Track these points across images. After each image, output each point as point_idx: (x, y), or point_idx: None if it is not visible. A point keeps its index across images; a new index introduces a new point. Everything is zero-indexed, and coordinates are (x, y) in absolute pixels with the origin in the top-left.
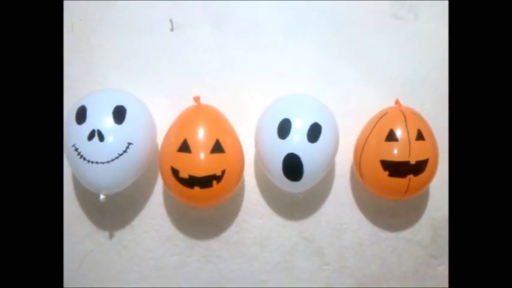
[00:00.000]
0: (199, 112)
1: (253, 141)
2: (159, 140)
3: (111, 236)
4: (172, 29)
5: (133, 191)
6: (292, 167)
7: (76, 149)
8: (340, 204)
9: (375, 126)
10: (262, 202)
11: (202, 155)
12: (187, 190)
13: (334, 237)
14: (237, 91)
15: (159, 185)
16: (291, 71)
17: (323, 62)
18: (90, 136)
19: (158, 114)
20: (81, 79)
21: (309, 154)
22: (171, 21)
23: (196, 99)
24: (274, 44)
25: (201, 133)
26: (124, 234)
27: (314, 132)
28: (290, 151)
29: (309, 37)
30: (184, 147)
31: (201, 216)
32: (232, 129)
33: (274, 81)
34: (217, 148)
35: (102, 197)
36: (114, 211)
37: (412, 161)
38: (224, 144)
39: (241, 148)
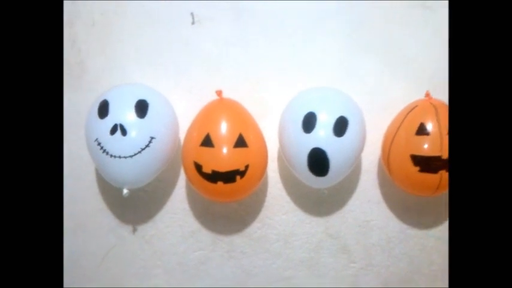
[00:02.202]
0: (222, 106)
1: (277, 136)
2: (181, 135)
3: (134, 231)
4: (193, 23)
5: (156, 186)
6: (318, 162)
7: (99, 144)
8: (367, 200)
9: (404, 119)
10: (286, 198)
11: (225, 150)
12: (210, 185)
13: (361, 235)
14: (259, 84)
15: (181, 180)
16: (314, 63)
17: (347, 54)
18: (113, 130)
19: (180, 108)
20: (103, 73)
21: (335, 148)
22: (192, 14)
23: (219, 93)
24: (296, 36)
25: (224, 127)
26: (147, 229)
27: (340, 126)
28: (315, 145)
29: (332, 28)
30: (207, 142)
31: (224, 211)
32: (255, 123)
33: (297, 74)
34: (241, 143)
35: (125, 191)
36: (137, 206)
37: (444, 156)
38: (247, 138)
39: (265, 143)
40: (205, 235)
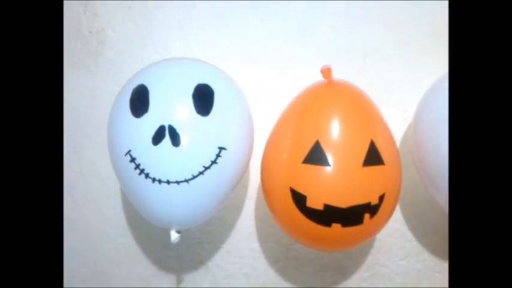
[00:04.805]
0: (334, 95)
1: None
2: (257, 141)
3: (179, 282)
4: None
5: (211, 217)
6: None
7: (133, 159)
8: None
9: None
10: (407, 234)
11: (350, 170)
12: (318, 229)
13: None
14: (366, 59)
15: (249, 208)
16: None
17: None
18: (157, 137)
19: (253, 99)
20: (132, 48)
21: None
22: None
23: (326, 72)
24: None
25: (345, 131)
26: (198, 279)
27: None
28: None
29: None
30: (317, 157)
31: (313, 254)
32: (386, 122)
33: (430, 41)
34: (374, 157)
35: (174, 236)
36: (184, 246)
37: None
38: (381, 149)
39: (399, 153)
40: None
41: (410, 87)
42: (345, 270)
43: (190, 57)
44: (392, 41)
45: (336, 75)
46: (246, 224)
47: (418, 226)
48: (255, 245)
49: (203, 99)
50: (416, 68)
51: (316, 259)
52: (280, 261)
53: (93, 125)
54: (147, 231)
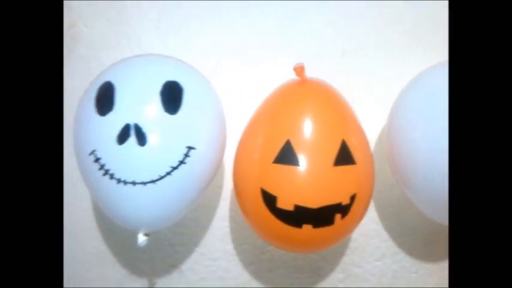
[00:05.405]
0: (307, 93)
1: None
2: (230, 141)
3: (151, 285)
4: None
5: (184, 218)
6: None
7: (97, 159)
8: None
9: None
10: (383, 235)
11: (320, 170)
12: (289, 230)
13: None
14: (345, 56)
15: (223, 208)
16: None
17: None
18: (123, 136)
19: (227, 98)
20: (104, 43)
21: None
22: None
23: (299, 70)
24: None
25: (316, 131)
26: (171, 282)
27: None
28: None
29: None
30: (287, 157)
31: (287, 257)
32: (358, 122)
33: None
34: (345, 156)
35: (142, 239)
36: (156, 248)
37: None
38: (353, 149)
39: (371, 154)
40: None
41: (388, 86)
42: (320, 272)
43: (159, 54)
44: (372, 39)
45: (314, 72)
46: (220, 225)
47: (393, 226)
48: (229, 247)
49: (171, 96)
50: (396, 66)
51: (290, 261)
52: (254, 264)
53: (66, 124)
54: (118, 233)
